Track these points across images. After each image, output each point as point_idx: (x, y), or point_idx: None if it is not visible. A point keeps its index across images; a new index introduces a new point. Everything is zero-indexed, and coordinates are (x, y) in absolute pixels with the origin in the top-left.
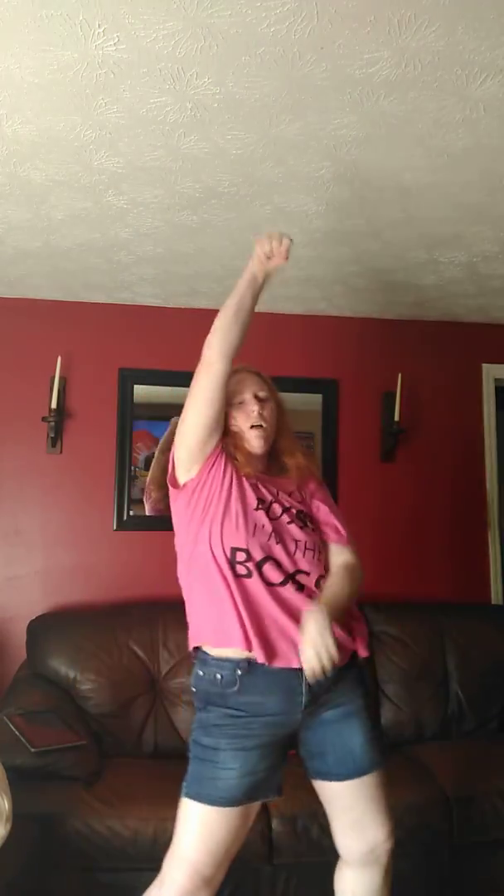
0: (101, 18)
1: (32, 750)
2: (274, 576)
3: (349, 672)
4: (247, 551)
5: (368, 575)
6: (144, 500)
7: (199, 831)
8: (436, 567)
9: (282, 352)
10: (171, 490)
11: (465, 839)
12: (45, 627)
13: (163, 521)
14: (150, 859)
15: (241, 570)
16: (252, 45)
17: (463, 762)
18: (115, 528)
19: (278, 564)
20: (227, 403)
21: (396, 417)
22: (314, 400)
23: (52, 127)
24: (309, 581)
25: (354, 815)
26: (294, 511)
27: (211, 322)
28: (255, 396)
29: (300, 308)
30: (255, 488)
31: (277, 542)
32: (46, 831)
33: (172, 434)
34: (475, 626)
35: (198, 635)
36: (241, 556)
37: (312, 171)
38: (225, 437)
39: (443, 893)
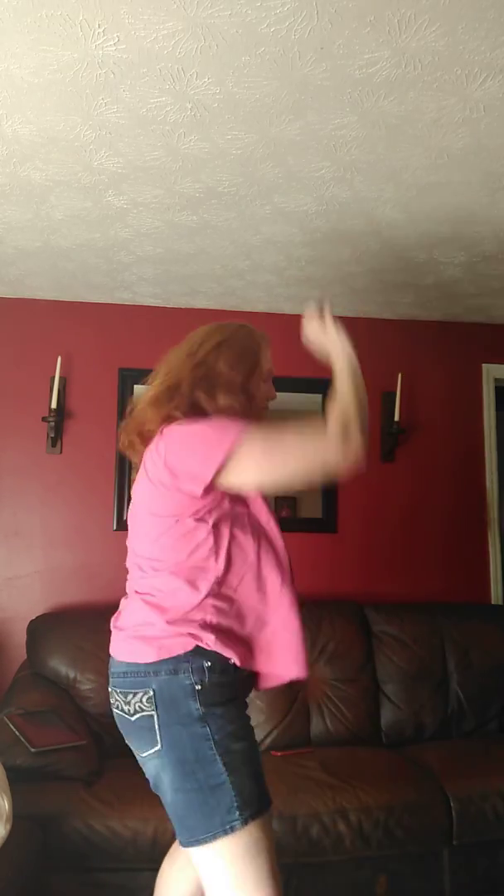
0: (101, 18)
1: (32, 750)
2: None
3: None
4: None
5: (368, 575)
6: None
7: (270, 849)
8: (436, 567)
9: (282, 352)
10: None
11: (465, 839)
12: (45, 627)
13: None
14: (150, 859)
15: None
16: (252, 45)
17: (463, 762)
18: (115, 528)
19: None
20: (259, 376)
21: (396, 417)
22: (314, 400)
23: (52, 127)
24: None
25: None
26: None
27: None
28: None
29: (300, 308)
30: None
31: None
32: (46, 831)
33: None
34: (475, 626)
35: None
36: None
37: (312, 171)
38: (248, 401)
39: (443, 893)
